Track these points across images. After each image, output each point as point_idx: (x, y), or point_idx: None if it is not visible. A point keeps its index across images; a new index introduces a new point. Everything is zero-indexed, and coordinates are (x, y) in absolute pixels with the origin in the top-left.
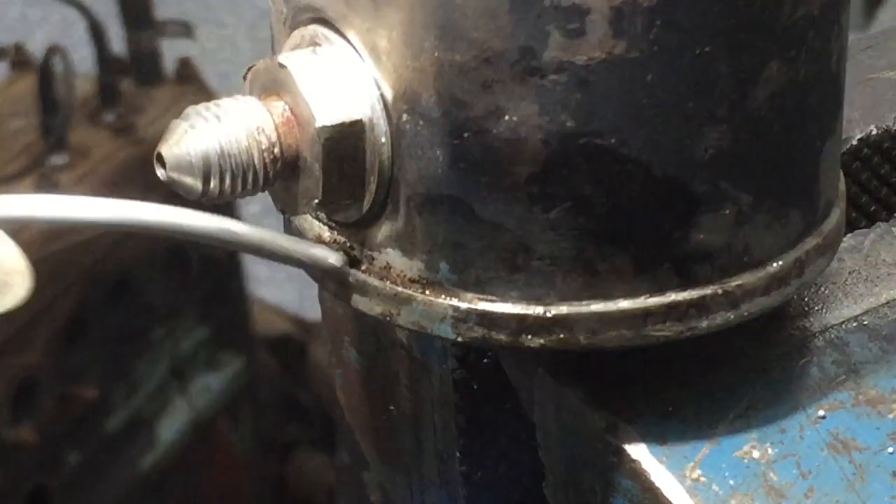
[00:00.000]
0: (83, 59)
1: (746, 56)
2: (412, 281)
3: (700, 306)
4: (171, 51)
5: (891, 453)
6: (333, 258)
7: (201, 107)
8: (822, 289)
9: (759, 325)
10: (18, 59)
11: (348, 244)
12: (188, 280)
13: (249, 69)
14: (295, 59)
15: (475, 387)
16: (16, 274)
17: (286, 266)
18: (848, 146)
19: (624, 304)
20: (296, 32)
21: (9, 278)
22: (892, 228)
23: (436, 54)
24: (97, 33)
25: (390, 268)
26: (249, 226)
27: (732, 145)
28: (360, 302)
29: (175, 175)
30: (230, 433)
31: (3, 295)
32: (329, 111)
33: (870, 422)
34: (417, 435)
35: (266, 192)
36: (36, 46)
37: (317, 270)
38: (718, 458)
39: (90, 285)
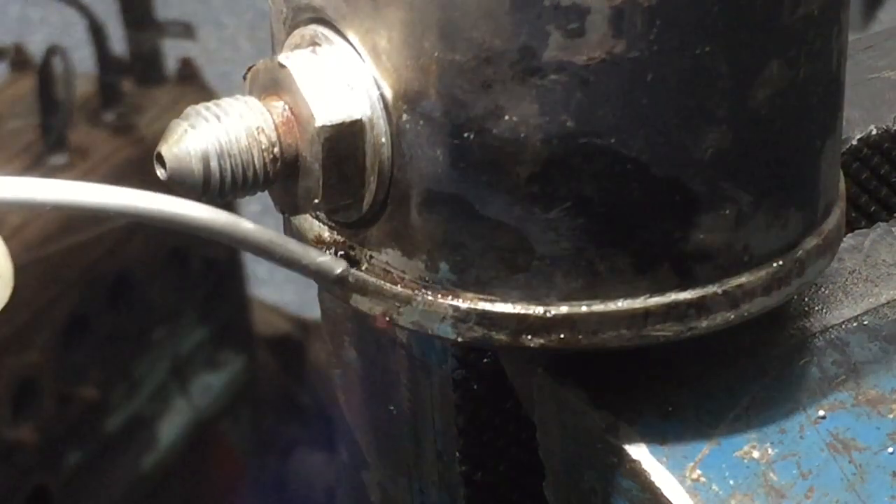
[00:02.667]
0: (83, 59)
1: (746, 56)
2: (412, 281)
3: (700, 306)
4: (171, 51)
5: (891, 453)
6: (339, 268)
7: (201, 107)
8: (822, 289)
9: (759, 325)
10: (18, 59)
11: (348, 244)
12: (188, 280)
13: (249, 69)
14: (295, 59)
15: (475, 387)
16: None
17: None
18: (848, 146)
19: (624, 304)
20: (296, 32)
21: None
22: (892, 228)
23: (436, 54)
24: (97, 33)
25: (390, 268)
26: (259, 226)
27: (732, 145)
28: (360, 302)
29: (175, 175)
30: (230, 433)
31: None
32: (329, 111)
33: (870, 422)
34: (417, 435)
35: (266, 192)
36: (36, 46)
37: (320, 280)
38: (718, 458)
39: (90, 285)
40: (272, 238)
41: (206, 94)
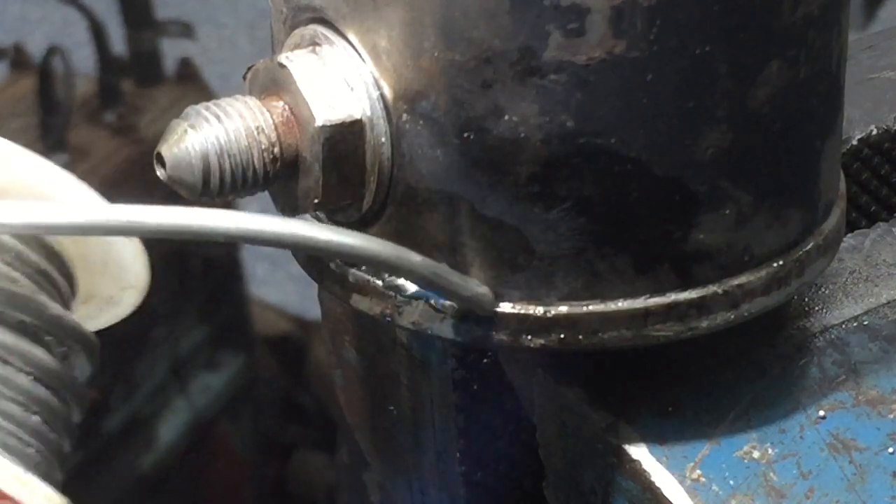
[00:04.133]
0: (83, 59)
1: (746, 56)
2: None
3: (700, 306)
4: (171, 51)
5: (891, 453)
6: (489, 300)
7: (201, 106)
8: (822, 289)
9: (759, 325)
10: (18, 59)
11: None
12: (188, 280)
13: (249, 69)
14: (295, 59)
15: (475, 387)
16: (131, 291)
17: (286, 266)
18: (848, 146)
19: (624, 304)
20: (296, 32)
21: (121, 294)
22: (892, 228)
23: (436, 54)
24: (97, 33)
25: None
26: (425, 259)
27: (732, 145)
28: (360, 302)
29: (175, 175)
30: (230, 433)
31: (104, 312)
32: (329, 111)
33: (870, 422)
34: (417, 435)
35: (266, 192)
36: (36, 46)
37: (474, 308)
38: (718, 458)
39: None
40: (437, 271)
41: (206, 94)
